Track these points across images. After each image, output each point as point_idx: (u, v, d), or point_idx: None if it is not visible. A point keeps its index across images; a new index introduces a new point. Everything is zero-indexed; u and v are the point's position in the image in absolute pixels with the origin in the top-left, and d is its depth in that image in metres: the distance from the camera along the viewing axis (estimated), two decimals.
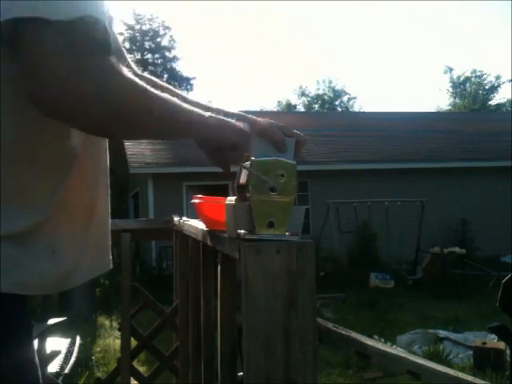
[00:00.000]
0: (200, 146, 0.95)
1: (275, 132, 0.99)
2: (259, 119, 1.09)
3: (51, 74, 0.72)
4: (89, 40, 0.75)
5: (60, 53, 0.72)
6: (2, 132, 0.83)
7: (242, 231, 0.90)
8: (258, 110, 27.54)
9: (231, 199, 1.02)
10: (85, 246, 1.00)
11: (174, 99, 0.86)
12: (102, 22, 0.78)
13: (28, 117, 0.84)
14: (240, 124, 0.95)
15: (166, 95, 0.84)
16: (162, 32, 28.32)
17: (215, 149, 0.95)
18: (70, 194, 0.94)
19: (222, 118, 0.94)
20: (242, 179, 0.94)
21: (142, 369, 3.61)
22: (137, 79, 0.80)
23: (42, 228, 0.90)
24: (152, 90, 0.82)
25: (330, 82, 39.02)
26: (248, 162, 0.92)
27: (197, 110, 0.90)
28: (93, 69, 0.75)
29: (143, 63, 25.66)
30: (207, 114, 0.91)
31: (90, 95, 0.74)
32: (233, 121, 0.95)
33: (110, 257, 1.09)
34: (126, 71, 0.79)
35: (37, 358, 0.97)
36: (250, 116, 1.12)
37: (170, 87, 1.21)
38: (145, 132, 0.93)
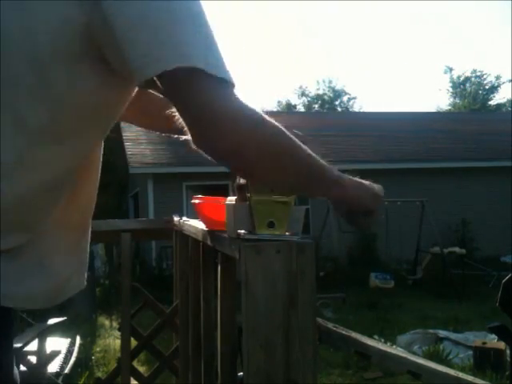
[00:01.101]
0: (335, 206, 0.95)
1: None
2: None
3: (232, 128, 0.77)
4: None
5: (238, 109, 0.78)
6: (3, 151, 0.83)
7: (243, 231, 0.90)
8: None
9: (231, 199, 1.02)
10: (74, 262, 1.00)
11: (314, 156, 0.86)
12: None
13: (32, 138, 0.84)
14: (375, 188, 0.95)
15: (309, 151, 0.85)
16: None
17: (350, 211, 0.94)
18: (66, 211, 0.94)
19: (360, 181, 0.94)
20: (242, 179, 0.94)
21: (141, 369, 3.61)
22: (278, 125, 0.82)
23: (34, 242, 0.90)
24: (301, 145, 0.84)
25: (330, 82, 39.02)
26: None
27: (336, 169, 0.90)
28: (257, 122, 0.79)
29: None
30: (345, 176, 0.91)
31: (264, 149, 0.80)
32: (369, 185, 0.95)
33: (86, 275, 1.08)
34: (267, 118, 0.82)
35: (15, 374, 0.95)
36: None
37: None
38: (288, 180, 0.89)
